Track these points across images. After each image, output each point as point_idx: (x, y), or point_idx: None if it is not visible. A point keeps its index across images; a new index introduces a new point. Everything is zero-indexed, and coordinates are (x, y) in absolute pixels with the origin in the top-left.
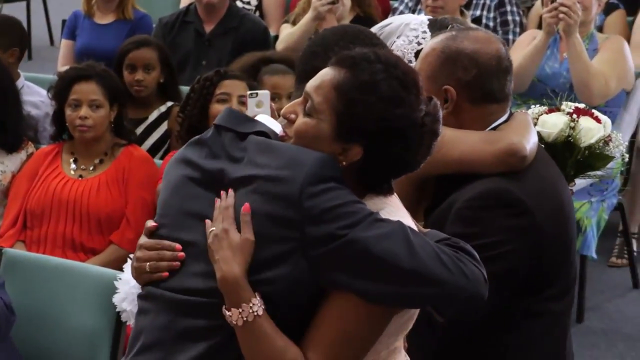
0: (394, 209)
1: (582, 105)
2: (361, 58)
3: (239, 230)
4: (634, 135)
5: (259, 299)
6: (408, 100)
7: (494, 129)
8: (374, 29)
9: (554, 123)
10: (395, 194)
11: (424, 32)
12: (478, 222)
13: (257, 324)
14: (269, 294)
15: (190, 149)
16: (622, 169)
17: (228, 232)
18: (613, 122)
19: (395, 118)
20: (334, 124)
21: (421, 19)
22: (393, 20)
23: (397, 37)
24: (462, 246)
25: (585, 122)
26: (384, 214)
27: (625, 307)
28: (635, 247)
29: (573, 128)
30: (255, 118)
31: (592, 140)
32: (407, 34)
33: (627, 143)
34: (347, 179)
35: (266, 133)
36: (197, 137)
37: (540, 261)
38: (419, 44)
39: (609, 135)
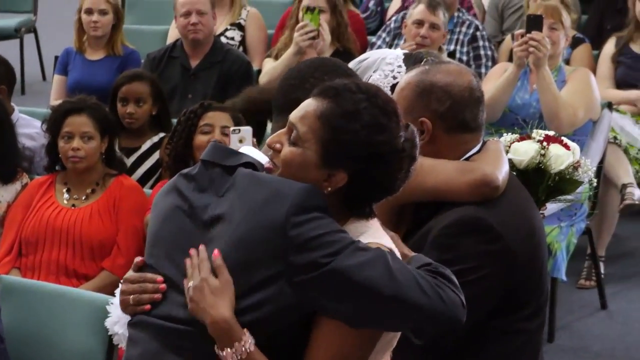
0: (375, 232)
1: (551, 133)
2: (343, 88)
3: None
4: (600, 163)
5: (248, 334)
6: (389, 127)
7: (468, 158)
8: (351, 63)
9: (525, 150)
10: (376, 217)
11: (399, 66)
12: (453, 249)
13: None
14: (256, 320)
15: (180, 181)
16: (590, 193)
17: (207, 280)
18: (581, 150)
19: (378, 144)
20: (319, 151)
21: (397, 54)
22: (370, 55)
23: (374, 71)
24: (442, 271)
25: (555, 149)
26: (366, 237)
27: (594, 326)
28: (602, 270)
29: (543, 155)
30: (241, 150)
31: (562, 167)
32: (383, 68)
33: (594, 170)
34: (331, 204)
35: (253, 164)
36: (186, 170)
37: (513, 284)
38: (394, 77)
39: (578, 161)
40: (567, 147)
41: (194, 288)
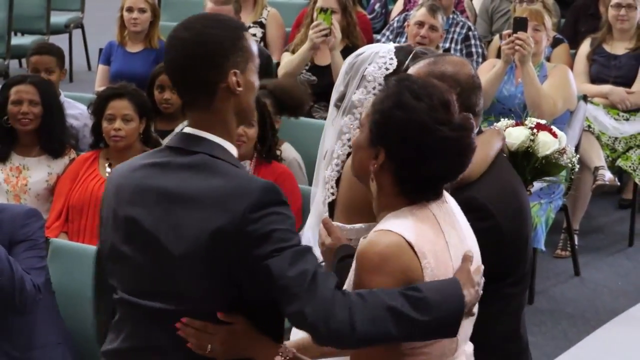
0: (396, 220)
1: (543, 122)
2: (392, 78)
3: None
4: (576, 149)
5: (283, 345)
6: (418, 108)
7: None
8: (350, 57)
9: (517, 135)
10: (427, 204)
11: (391, 58)
12: None
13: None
14: (215, 295)
15: (144, 162)
16: (571, 176)
17: (230, 333)
18: None
19: (405, 122)
20: (368, 132)
21: (389, 48)
22: (365, 49)
23: (369, 64)
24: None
25: (543, 136)
26: (382, 224)
27: (568, 291)
28: (576, 241)
29: (533, 140)
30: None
31: (548, 152)
32: (377, 61)
33: (578, 157)
34: (385, 189)
35: (216, 155)
36: (151, 151)
37: (501, 256)
38: (387, 69)
39: (564, 148)
40: (554, 135)
41: (218, 346)
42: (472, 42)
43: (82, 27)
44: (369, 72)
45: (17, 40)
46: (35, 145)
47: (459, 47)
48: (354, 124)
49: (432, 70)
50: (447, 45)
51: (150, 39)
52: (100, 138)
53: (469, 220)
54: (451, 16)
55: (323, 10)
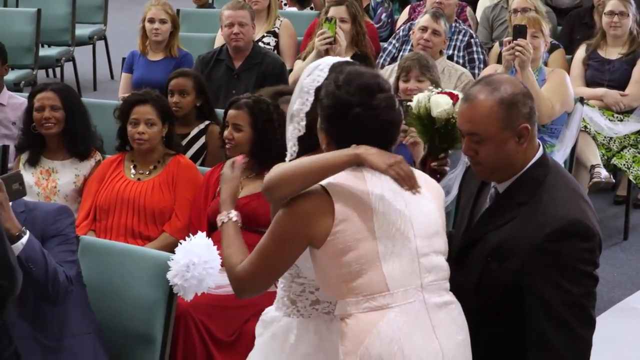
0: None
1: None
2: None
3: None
4: (573, 147)
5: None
6: (337, 94)
7: (538, 162)
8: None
9: (441, 102)
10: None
11: (324, 71)
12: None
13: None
14: None
15: None
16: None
17: None
18: (557, 137)
19: (328, 107)
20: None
21: (328, 62)
22: (321, 61)
23: (307, 76)
24: None
25: (440, 97)
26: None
27: None
28: None
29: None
30: None
31: (439, 110)
32: (314, 73)
33: (568, 154)
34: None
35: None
36: None
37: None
38: (318, 82)
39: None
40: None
41: None
42: (474, 48)
43: (105, 38)
44: (305, 84)
45: (44, 51)
46: (61, 149)
47: (461, 53)
48: (294, 133)
49: (502, 96)
50: (451, 52)
51: (170, 48)
52: (126, 141)
53: (569, 245)
54: (454, 24)
55: (328, 19)
